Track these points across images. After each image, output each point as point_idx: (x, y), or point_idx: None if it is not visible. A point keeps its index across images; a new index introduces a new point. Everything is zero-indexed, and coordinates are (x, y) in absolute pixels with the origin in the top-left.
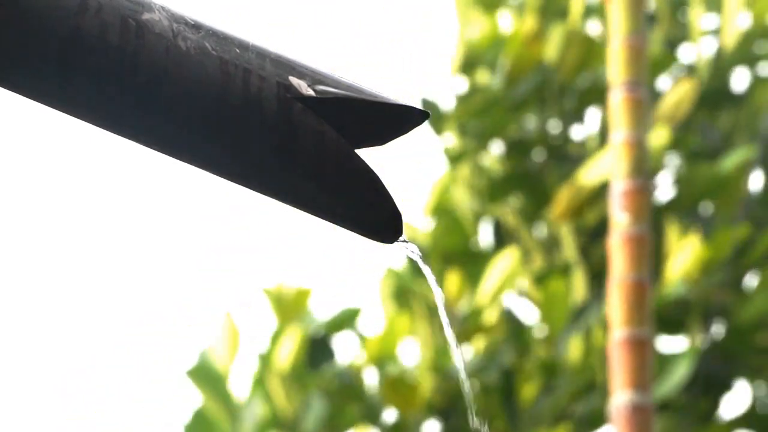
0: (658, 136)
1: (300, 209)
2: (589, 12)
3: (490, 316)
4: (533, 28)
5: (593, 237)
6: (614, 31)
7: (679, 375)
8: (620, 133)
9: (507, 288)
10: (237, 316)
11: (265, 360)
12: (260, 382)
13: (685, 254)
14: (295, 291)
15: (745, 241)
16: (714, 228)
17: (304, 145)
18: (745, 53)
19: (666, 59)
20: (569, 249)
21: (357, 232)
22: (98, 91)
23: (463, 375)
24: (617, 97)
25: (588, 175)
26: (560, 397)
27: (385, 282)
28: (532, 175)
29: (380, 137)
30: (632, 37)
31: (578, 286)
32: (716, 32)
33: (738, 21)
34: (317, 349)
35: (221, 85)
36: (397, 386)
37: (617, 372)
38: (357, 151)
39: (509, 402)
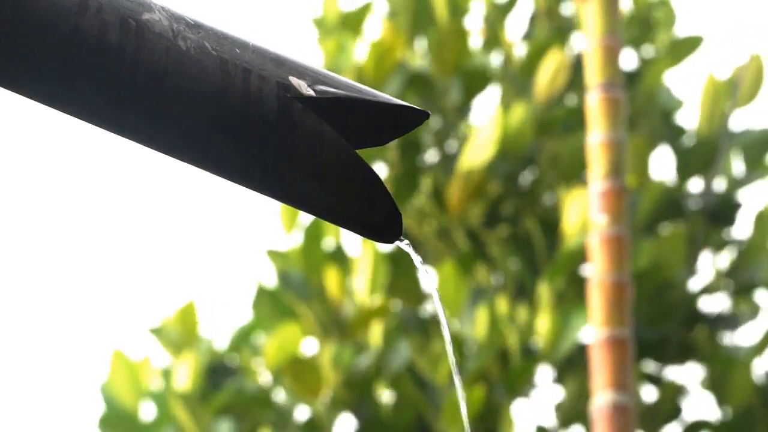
0: (517, 113)
1: (300, 209)
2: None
3: (382, 308)
4: (393, 30)
5: (487, 225)
6: (589, 32)
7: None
8: (597, 134)
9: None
10: (130, 350)
11: (161, 396)
12: (163, 419)
13: (575, 210)
14: (182, 322)
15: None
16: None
17: (304, 145)
18: (633, 35)
19: (554, 44)
20: (461, 240)
21: (356, 232)
22: (98, 91)
23: (457, 380)
24: (594, 98)
25: (468, 164)
26: (472, 370)
27: (259, 299)
28: (427, 175)
29: (380, 137)
30: (607, 38)
31: (478, 272)
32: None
33: (622, 3)
34: (218, 372)
35: (221, 85)
36: (300, 374)
37: (598, 372)
38: (357, 151)
39: (423, 385)
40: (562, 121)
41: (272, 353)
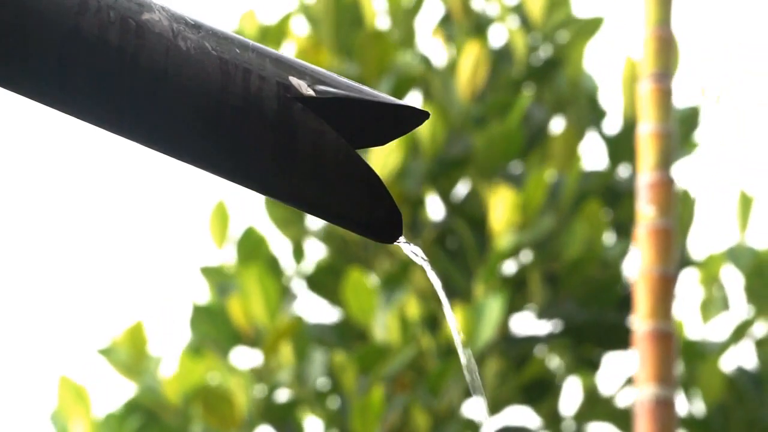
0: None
1: (300, 209)
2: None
3: (282, 325)
4: (316, 38)
5: (413, 229)
6: (643, 21)
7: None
8: (647, 124)
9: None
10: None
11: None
12: None
13: (505, 206)
14: (131, 341)
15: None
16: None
17: (304, 145)
18: (551, 23)
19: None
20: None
21: (356, 232)
22: (98, 91)
23: (476, 380)
24: (645, 88)
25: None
26: (379, 375)
27: (197, 318)
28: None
29: (380, 137)
30: (660, 28)
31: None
32: (518, 9)
33: None
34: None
35: (221, 85)
36: (210, 401)
37: (642, 365)
38: (357, 151)
39: (340, 398)
40: (481, 117)
41: (176, 385)
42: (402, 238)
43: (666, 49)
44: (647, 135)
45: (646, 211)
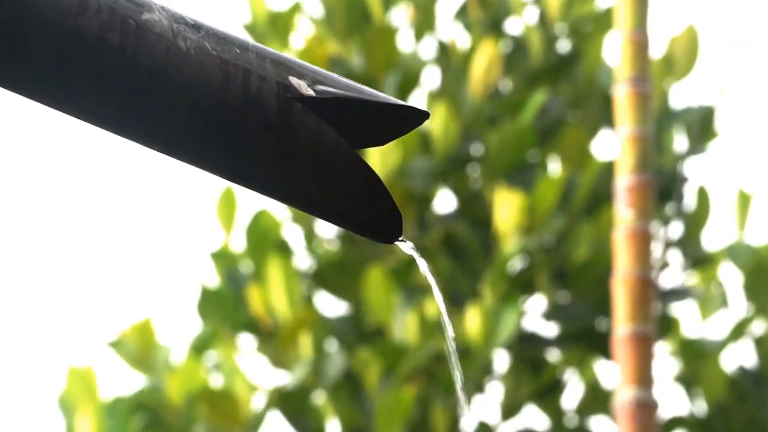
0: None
1: (300, 209)
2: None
3: (306, 319)
4: (325, 29)
5: (422, 228)
6: (619, 26)
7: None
8: (625, 128)
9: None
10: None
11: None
12: None
13: (510, 209)
14: (140, 333)
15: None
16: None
17: (304, 145)
18: (568, 17)
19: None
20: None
21: (356, 232)
22: (98, 91)
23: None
24: (622, 92)
25: (380, 168)
26: (403, 374)
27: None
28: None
29: (380, 137)
30: (636, 32)
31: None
32: (536, 2)
33: None
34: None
35: (221, 85)
36: (213, 402)
37: (621, 368)
38: (357, 151)
39: (358, 393)
40: (495, 115)
41: (179, 386)
42: (402, 238)
43: (642, 54)
44: (625, 138)
45: (624, 214)
